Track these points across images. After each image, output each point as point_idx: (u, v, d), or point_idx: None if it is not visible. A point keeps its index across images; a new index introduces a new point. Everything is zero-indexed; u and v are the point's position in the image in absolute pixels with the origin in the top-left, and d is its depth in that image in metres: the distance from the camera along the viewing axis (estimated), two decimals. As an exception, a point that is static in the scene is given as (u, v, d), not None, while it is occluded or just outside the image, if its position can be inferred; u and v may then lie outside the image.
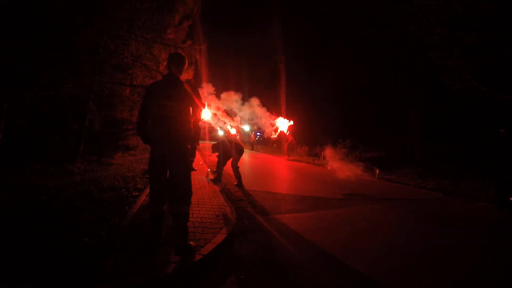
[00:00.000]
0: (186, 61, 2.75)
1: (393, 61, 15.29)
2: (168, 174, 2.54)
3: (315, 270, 2.49)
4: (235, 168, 6.38)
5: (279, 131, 15.20)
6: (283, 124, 15.28)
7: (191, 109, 2.62)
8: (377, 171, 9.55)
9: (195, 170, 8.16)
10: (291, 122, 15.20)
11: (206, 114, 9.11)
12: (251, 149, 22.82)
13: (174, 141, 2.50)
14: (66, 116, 7.26)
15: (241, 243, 3.03)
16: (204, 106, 2.77)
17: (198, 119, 2.78)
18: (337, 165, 11.63)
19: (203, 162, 10.02)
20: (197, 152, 9.22)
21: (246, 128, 24.30)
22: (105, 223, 3.08)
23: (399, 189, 7.26)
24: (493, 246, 3.35)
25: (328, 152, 13.43)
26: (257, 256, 2.72)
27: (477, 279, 2.48)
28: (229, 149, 6.49)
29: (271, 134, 16.13)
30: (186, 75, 9.25)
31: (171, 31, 8.99)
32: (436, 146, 12.85)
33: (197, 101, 2.63)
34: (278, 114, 15.80)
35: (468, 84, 7.46)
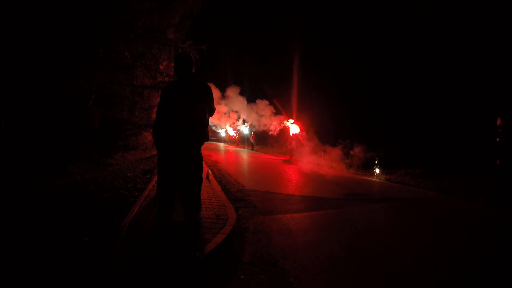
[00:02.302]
0: (193, 59, 2.67)
1: (393, 61, 15.30)
2: (180, 178, 2.39)
3: (315, 270, 2.48)
4: None
5: (291, 133, 15.23)
6: (293, 128, 15.33)
7: (206, 109, 2.51)
8: (377, 171, 9.56)
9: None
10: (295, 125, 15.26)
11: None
12: (251, 149, 22.81)
13: (190, 142, 2.40)
14: (66, 116, 7.27)
15: (241, 243, 3.03)
16: (213, 110, 2.69)
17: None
18: (336, 165, 11.63)
19: (203, 162, 10.02)
20: None
21: (246, 129, 24.26)
22: (105, 223, 3.08)
23: (399, 189, 7.26)
24: (493, 246, 3.34)
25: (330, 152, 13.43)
26: (257, 256, 2.72)
27: (478, 280, 2.48)
28: None
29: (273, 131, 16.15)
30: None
31: (171, 31, 8.99)
32: (436, 145, 12.86)
33: (212, 101, 2.58)
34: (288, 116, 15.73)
35: (468, 84, 7.46)
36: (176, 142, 2.37)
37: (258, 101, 16.36)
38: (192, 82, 2.52)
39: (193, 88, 2.48)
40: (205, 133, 2.50)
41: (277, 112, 18.38)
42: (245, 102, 16.69)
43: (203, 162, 2.82)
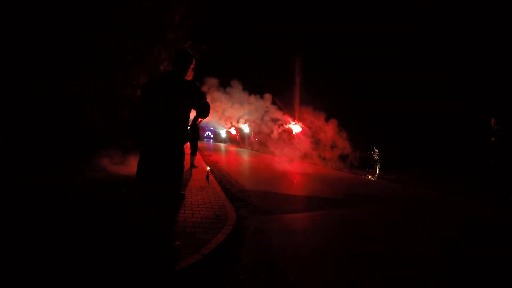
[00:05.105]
0: (193, 60, 2.60)
1: (393, 61, 15.30)
2: (158, 178, 2.41)
3: (315, 270, 2.49)
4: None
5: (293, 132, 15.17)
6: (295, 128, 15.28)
7: (192, 111, 2.51)
8: (377, 171, 9.57)
9: (197, 167, 8.24)
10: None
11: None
12: (251, 149, 22.80)
13: (170, 145, 2.39)
14: (66, 116, 7.26)
15: (241, 243, 3.03)
16: (208, 109, 2.66)
17: (200, 121, 2.70)
18: (336, 165, 11.63)
19: (203, 162, 10.03)
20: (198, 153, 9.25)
21: (247, 128, 24.18)
22: (105, 223, 3.08)
23: (399, 189, 7.26)
24: (493, 246, 3.35)
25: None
26: (257, 256, 2.72)
27: (478, 280, 2.48)
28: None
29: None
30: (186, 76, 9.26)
31: (171, 31, 8.98)
32: (436, 145, 12.86)
33: (203, 103, 2.56)
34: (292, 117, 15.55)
35: (468, 84, 7.47)
36: (157, 144, 2.38)
37: (229, 89, 15.67)
38: (175, 80, 2.45)
39: (172, 86, 2.41)
40: (178, 133, 2.44)
41: (272, 107, 17.92)
42: (223, 96, 16.04)
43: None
